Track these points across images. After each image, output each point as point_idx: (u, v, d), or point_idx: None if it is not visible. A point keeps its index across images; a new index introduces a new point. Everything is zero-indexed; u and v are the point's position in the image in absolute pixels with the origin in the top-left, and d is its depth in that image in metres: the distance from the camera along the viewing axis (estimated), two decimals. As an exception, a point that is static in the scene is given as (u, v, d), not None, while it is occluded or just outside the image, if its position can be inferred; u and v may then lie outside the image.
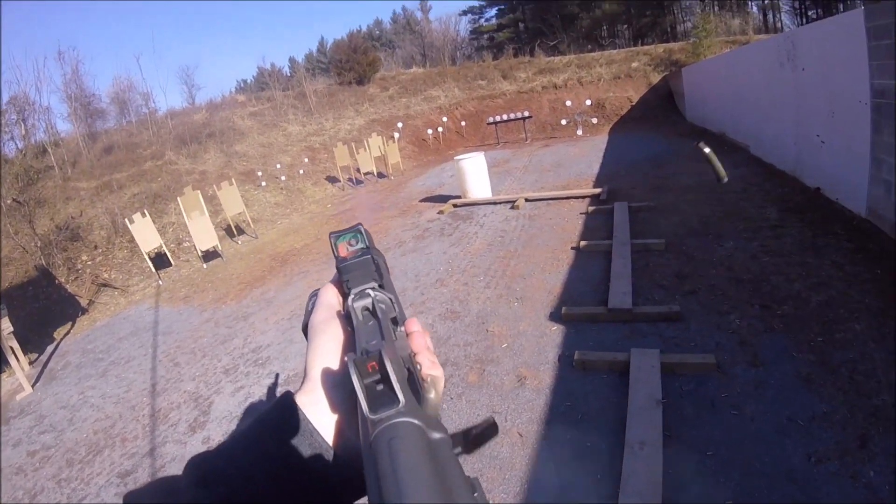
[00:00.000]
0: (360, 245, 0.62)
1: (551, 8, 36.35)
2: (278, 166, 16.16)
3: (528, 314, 5.24)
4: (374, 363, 0.42)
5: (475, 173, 10.64)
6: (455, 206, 10.57)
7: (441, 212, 10.28)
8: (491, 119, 19.73)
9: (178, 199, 10.86)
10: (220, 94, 35.18)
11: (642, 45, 26.82)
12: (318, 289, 0.65)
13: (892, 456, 2.80)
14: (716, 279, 5.21)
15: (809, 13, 34.16)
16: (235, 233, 12.02)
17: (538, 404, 3.83)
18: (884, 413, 3.09)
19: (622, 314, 4.68)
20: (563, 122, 18.96)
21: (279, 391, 4.79)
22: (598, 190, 9.23)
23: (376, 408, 0.39)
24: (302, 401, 0.51)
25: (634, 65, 21.61)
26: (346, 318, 0.58)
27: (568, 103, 19.59)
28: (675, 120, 17.74)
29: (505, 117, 19.37)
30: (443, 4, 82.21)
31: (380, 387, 0.42)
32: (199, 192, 11.42)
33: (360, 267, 0.58)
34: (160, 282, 9.88)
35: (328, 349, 0.55)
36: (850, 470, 2.77)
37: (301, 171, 16.36)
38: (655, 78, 20.52)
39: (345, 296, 0.59)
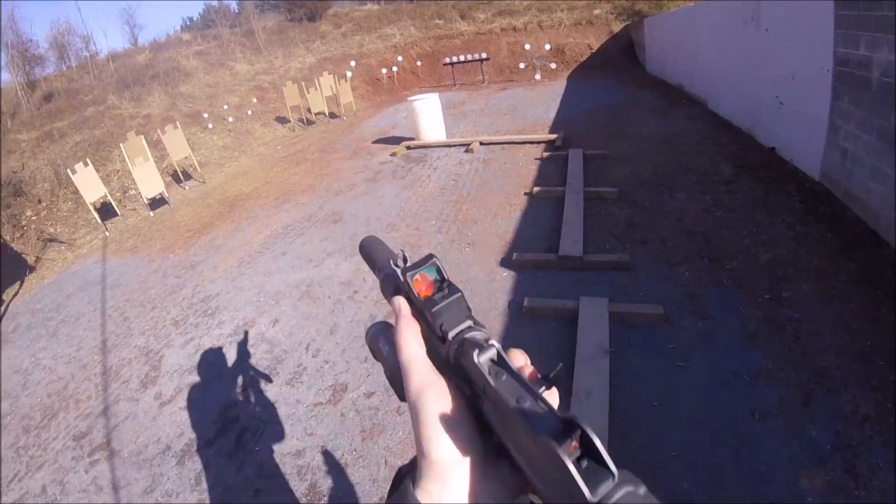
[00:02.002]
0: (437, 277, 0.56)
1: (511, -55, 35.26)
2: (225, 107, 15.45)
3: (479, 260, 5.24)
4: (575, 443, 0.37)
5: (429, 115, 10.41)
6: (408, 147, 10.37)
7: (394, 154, 10.08)
8: (447, 59, 19.17)
9: (121, 145, 10.35)
10: (165, 33, 33.07)
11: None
12: (381, 323, 0.60)
13: (834, 416, 2.88)
14: (667, 230, 5.26)
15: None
16: (182, 178, 11.55)
17: (488, 353, 3.83)
18: (827, 374, 3.17)
19: (572, 262, 4.70)
20: (522, 65, 18.57)
21: (251, 347, 4.71)
22: (553, 136, 9.12)
23: (594, 487, 0.35)
24: (430, 490, 0.43)
25: (596, 12, 21.14)
26: (446, 367, 0.51)
27: (527, 47, 19.15)
28: (634, 70, 17.59)
29: (462, 58, 18.85)
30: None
31: (584, 462, 0.37)
32: (142, 137, 10.88)
33: (453, 306, 0.53)
34: (107, 233, 9.46)
35: (445, 420, 0.45)
36: (793, 427, 2.85)
37: (249, 112, 15.66)
38: (617, 27, 20.15)
39: (441, 339, 0.52)
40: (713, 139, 8.18)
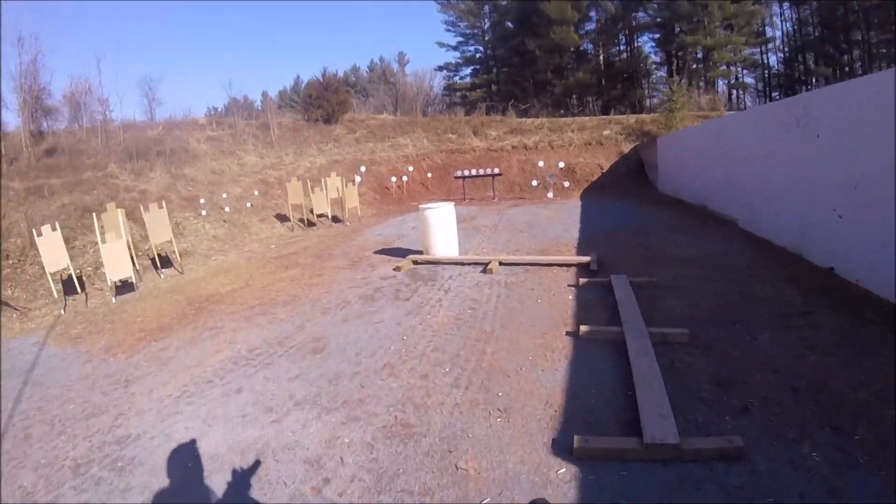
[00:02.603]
0: None
1: (525, 73, 35.92)
2: (224, 196, 14.18)
3: (517, 439, 3.40)
4: None
5: (442, 226, 8.92)
6: (415, 262, 8.82)
7: (398, 268, 8.49)
8: (459, 173, 18.38)
9: (94, 216, 8.95)
10: (182, 112, 32.32)
11: (613, 114, 26.24)
12: None
13: None
14: (766, 388, 3.67)
15: (774, 94, 35.13)
16: (160, 264, 10.00)
17: None
18: None
19: (665, 451, 2.97)
20: (534, 182, 17.64)
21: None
22: (586, 258, 7.63)
23: None
24: None
25: (606, 133, 20.85)
26: None
27: (540, 164, 18.33)
28: (646, 190, 16.89)
29: (474, 172, 18.03)
30: (420, 59, 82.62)
31: None
32: (122, 210, 9.51)
33: None
34: (62, 311, 7.85)
35: None
36: None
37: (249, 205, 14.38)
38: (626, 147, 19.74)
39: None
40: (761, 261, 6.96)
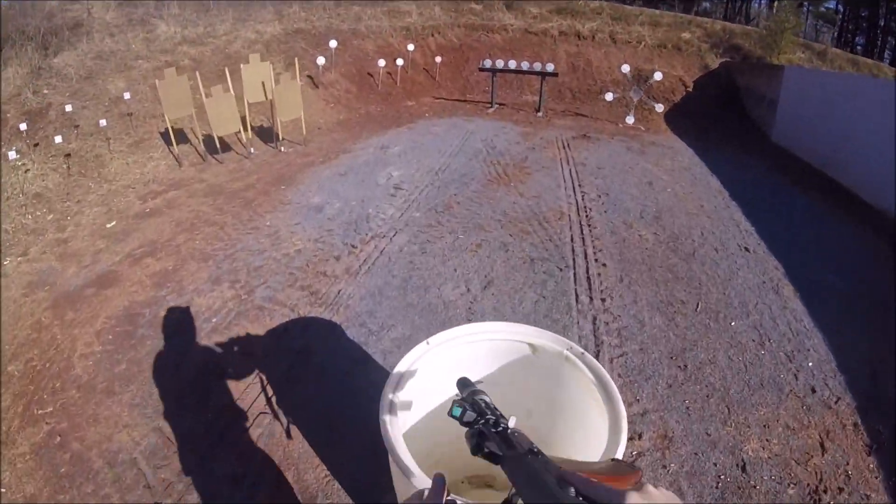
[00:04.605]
0: None
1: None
2: (69, 108, 7.15)
3: None
4: None
5: None
6: None
7: None
8: (487, 63, 11.38)
9: None
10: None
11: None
12: None
13: None
14: None
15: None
16: None
17: None
18: None
19: None
20: (608, 96, 10.82)
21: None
22: None
23: None
24: None
25: (685, 35, 13.88)
26: None
27: (625, 69, 11.25)
28: (748, 132, 10.60)
29: (511, 65, 11.12)
30: None
31: None
32: None
33: None
34: None
35: None
36: None
37: (104, 122, 7.13)
38: (713, 61, 13.01)
39: None
40: None
